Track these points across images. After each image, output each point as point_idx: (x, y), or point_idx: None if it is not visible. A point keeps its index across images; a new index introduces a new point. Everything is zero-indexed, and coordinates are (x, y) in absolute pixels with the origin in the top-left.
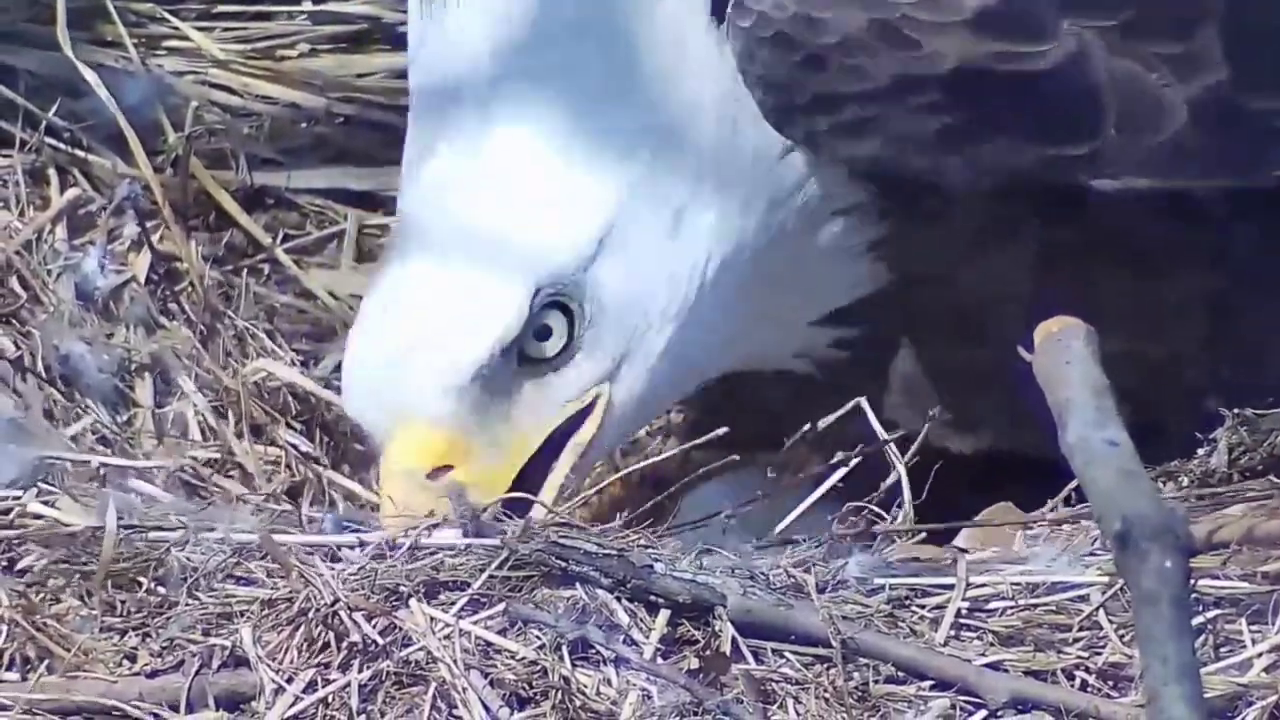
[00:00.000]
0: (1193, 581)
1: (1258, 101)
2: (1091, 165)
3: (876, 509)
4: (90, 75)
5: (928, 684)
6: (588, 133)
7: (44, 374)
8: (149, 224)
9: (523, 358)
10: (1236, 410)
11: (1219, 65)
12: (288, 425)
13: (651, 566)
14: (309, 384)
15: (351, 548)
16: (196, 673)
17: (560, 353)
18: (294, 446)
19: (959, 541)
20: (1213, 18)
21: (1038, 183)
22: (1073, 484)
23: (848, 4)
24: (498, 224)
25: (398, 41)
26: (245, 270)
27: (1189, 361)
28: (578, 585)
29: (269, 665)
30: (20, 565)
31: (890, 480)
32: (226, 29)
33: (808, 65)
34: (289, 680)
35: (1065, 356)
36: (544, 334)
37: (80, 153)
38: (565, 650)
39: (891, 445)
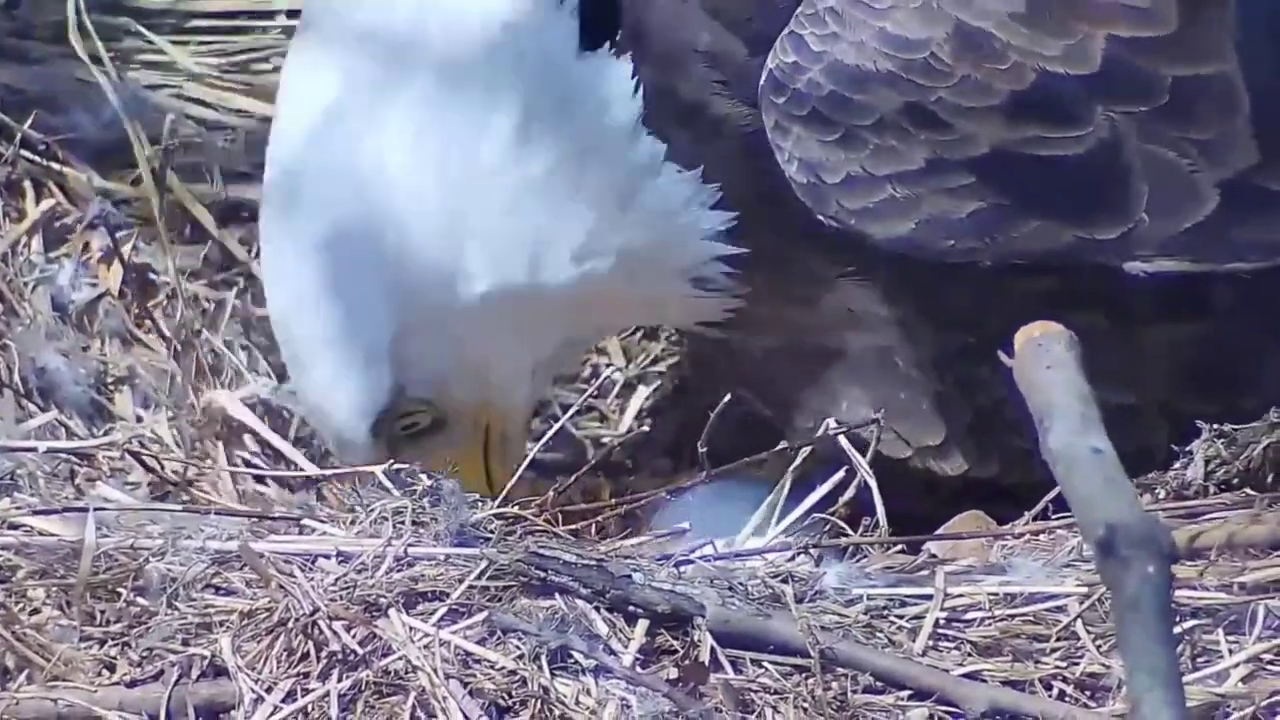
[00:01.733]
0: (1172, 592)
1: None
2: (1123, 248)
3: (843, 524)
4: (102, 78)
5: (906, 694)
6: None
7: (20, 387)
8: (123, 235)
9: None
10: (1214, 425)
11: (1249, 150)
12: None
13: (630, 576)
14: (257, 424)
15: (329, 556)
16: (176, 682)
17: (432, 425)
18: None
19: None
20: (1242, 104)
21: (1068, 264)
22: (1050, 494)
23: (882, 86)
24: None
25: None
26: (221, 284)
27: (1168, 408)
28: (557, 595)
29: (248, 675)
30: (0, 575)
31: (837, 482)
32: (201, 43)
33: (843, 144)
34: (268, 690)
35: (1046, 361)
36: (410, 424)
37: (56, 165)
38: (544, 660)
39: (853, 454)
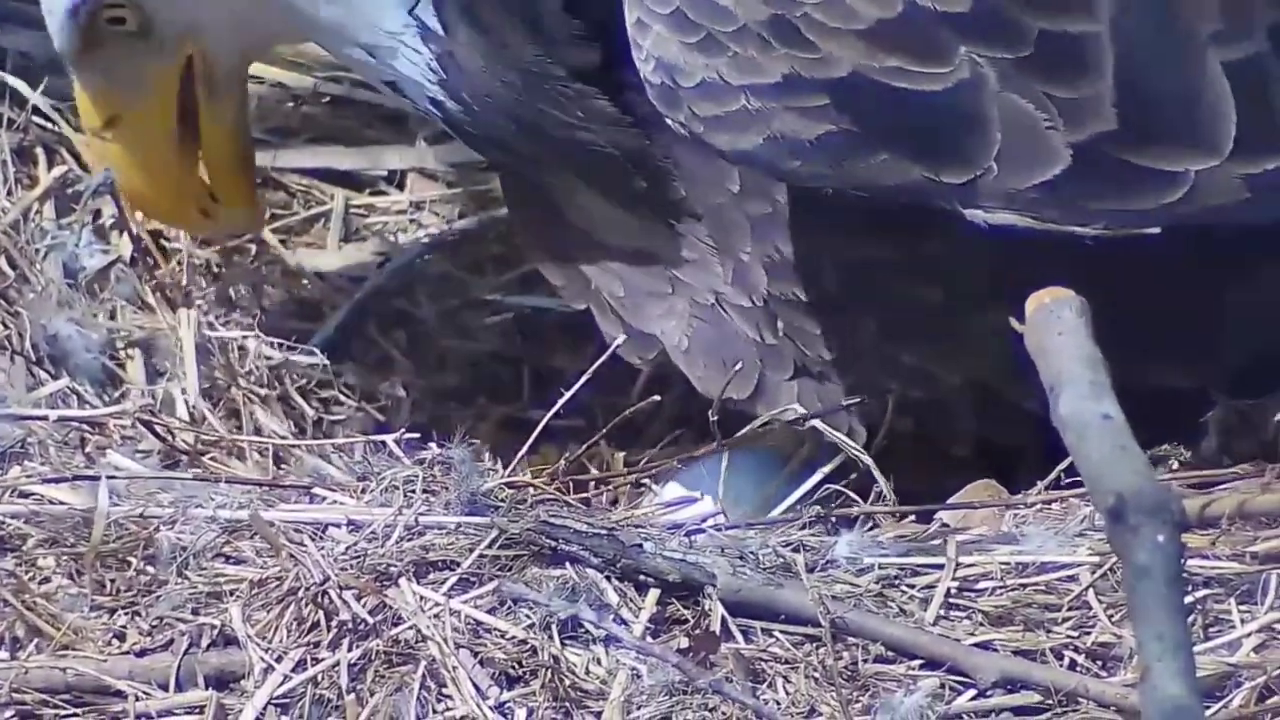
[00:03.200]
0: (1184, 560)
1: (1141, 158)
2: (968, 194)
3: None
4: None
5: (917, 663)
6: None
7: (32, 354)
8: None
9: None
10: (1229, 400)
11: (1108, 116)
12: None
13: (641, 546)
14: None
15: (339, 526)
16: (186, 651)
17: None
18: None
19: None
20: (1107, 68)
21: (907, 202)
22: (1064, 464)
23: None
24: None
25: None
26: (232, 250)
27: (995, 391)
28: (567, 564)
29: (258, 644)
30: (10, 544)
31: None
32: None
33: (702, 49)
34: (278, 659)
35: (1057, 328)
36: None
37: (68, 131)
38: (555, 629)
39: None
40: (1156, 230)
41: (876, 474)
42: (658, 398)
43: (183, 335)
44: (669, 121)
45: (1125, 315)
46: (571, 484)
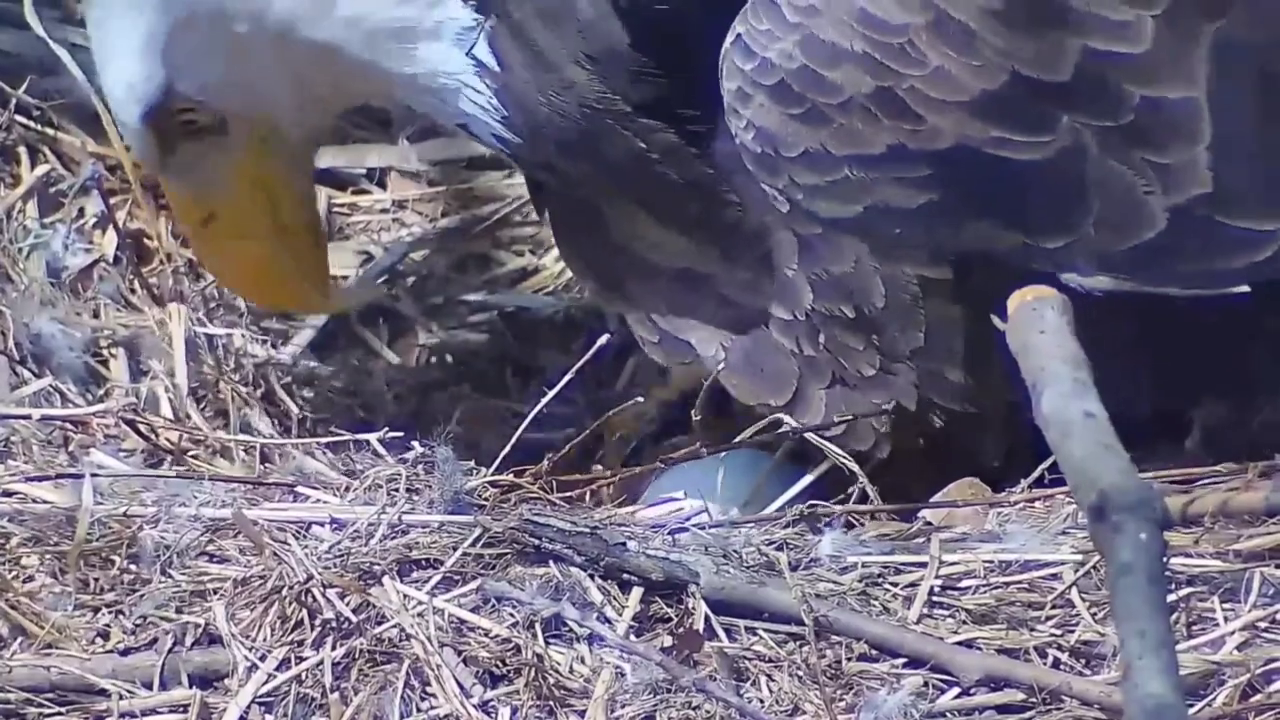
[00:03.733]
0: (1166, 559)
1: (1235, 219)
2: (1064, 258)
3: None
4: (62, 53)
5: (900, 661)
6: None
7: (15, 352)
8: (117, 201)
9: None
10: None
11: (1204, 180)
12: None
13: (625, 544)
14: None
15: (323, 524)
16: (170, 650)
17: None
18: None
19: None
20: (1205, 132)
21: (1003, 266)
22: (1047, 463)
23: (855, 66)
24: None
25: None
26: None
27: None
28: (551, 563)
29: (242, 642)
30: None
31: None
32: None
33: (806, 120)
34: (262, 658)
35: (1039, 326)
36: (190, 120)
37: (50, 130)
38: (539, 628)
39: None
40: (1246, 288)
41: (862, 478)
42: (641, 399)
43: (172, 330)
44: (765, 188)
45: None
46: (555, 483)
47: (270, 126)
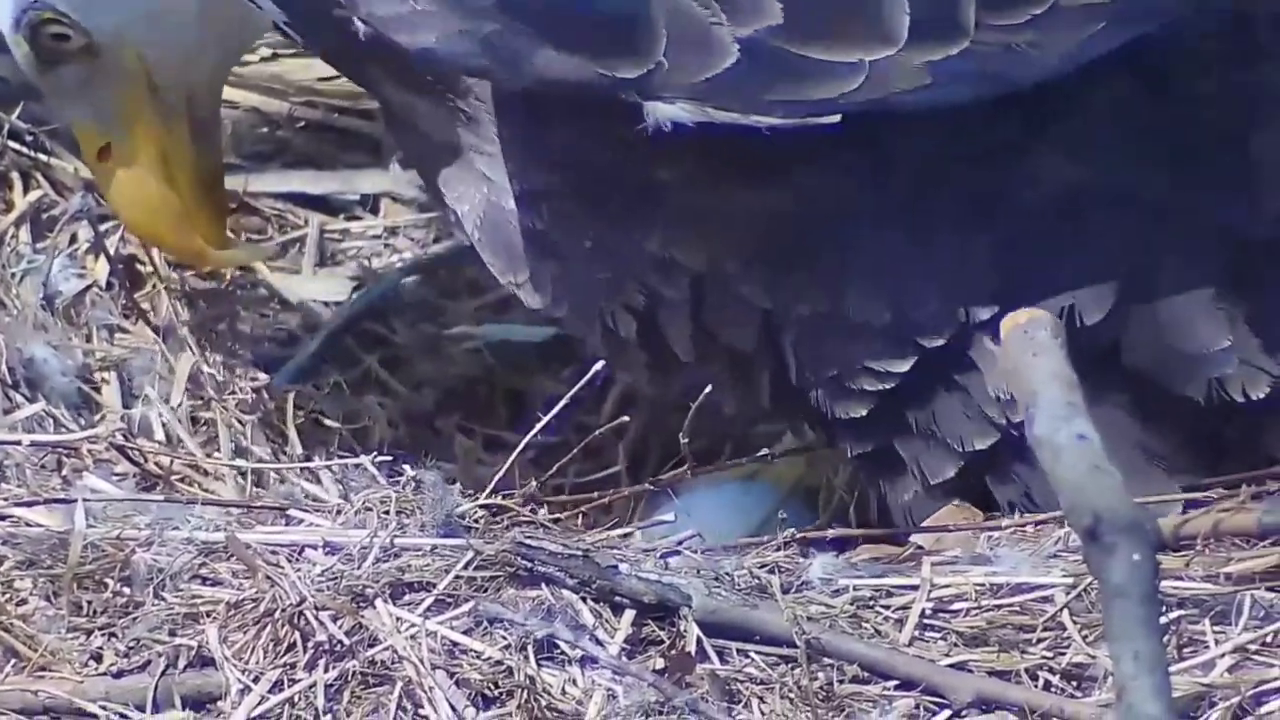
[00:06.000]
0: (1158, 580)
1: (809, 49)
2: (644, 87)
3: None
4: None
5: (892, 684)
6: None
7: (8, 377)
8: (107, 227)
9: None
10: None
11: (772, 12)
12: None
13: (616, 567)
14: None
15: (315, 547)
16: (162, 673)
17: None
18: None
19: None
20: None
21: (594, 98)
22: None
23: None
24: None
25: None
26: (208, 274)
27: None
28: (543, 585)
29: (235, 665)
30: None
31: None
32: None
33: None
34: (255, 680)
35: (1031, 348)
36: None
37: (43, 156)
38: (531, 650)
39: None
40: (837, 119)
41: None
42: (626, 418)
43: (178, 366)
44: (356, 20)
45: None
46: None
47: (140, 62)
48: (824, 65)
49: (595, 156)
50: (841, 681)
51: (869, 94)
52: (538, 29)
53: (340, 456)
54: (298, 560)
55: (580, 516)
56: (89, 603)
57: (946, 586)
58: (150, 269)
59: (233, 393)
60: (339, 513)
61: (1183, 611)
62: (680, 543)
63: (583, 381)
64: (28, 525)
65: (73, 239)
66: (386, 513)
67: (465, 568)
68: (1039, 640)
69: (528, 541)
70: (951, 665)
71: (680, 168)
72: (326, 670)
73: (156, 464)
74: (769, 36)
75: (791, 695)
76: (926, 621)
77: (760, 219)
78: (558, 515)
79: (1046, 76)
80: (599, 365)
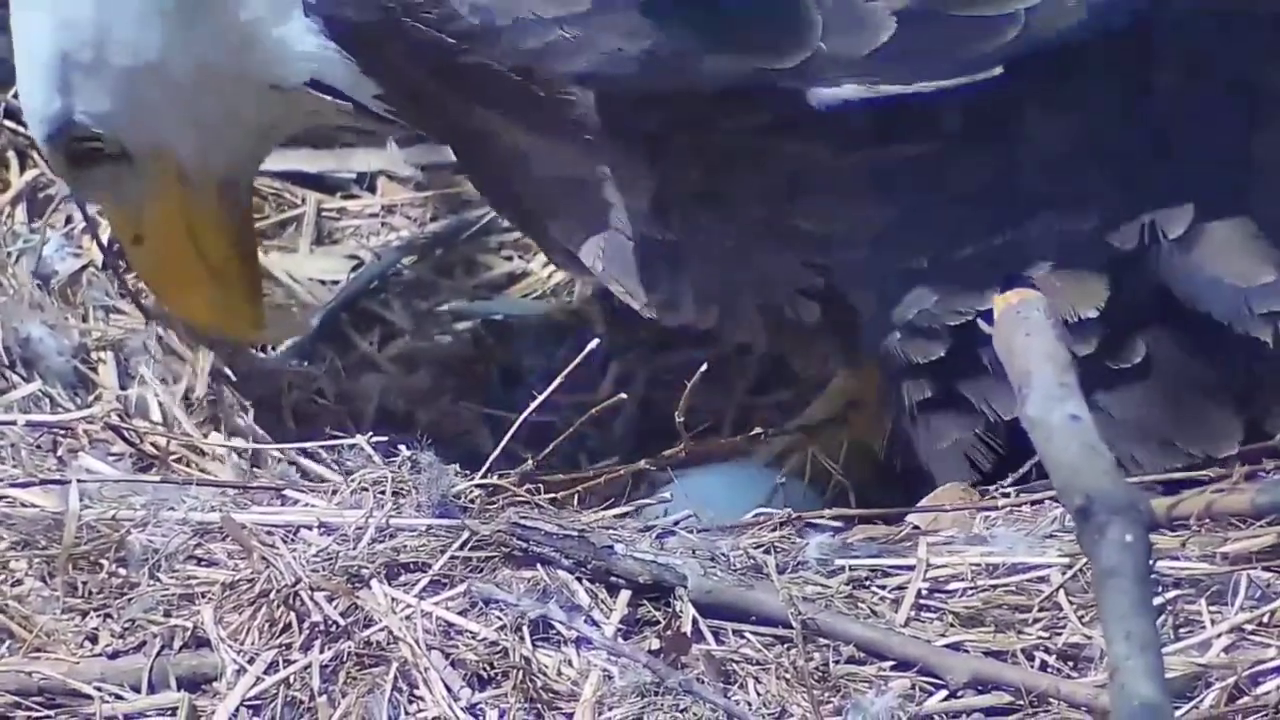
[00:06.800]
0: (1152, 561)
1: (963, 9)
2: (805, 76)
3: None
4: None
5: (888, 664)
6: None
7: (4, 357)
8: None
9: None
10: None
11: None
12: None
13: (612, 547)
14: None
15: (311, 528)
16: (158, 654)
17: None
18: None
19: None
20: None
21: (756, 95)
22: (1030, 462)
23: None
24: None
25: None
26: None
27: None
28: (538, 566)
29: (230, 646)
30: None
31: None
32: None
33: None
34: (250, 661)
35: (1025, 329)
36: (94, 143)
37: None
38: (526, 631)
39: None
40: (999, 70)
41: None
42: (624, 395)
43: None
44: (489, 61)
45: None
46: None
47: (173, 161)
48: (981, 21)
49: (714, 153)
50: (837, 662)
51: (1028, 41)
52: (694, 35)
53: (336, 436)
54: (293, 541)
55: (576, 497)
56: (84, 583)
57: (943, 567)
58: None
59: (229, 373)
60: (334, 493)
61: (1179, 591)
62: (676, 523)
63: (579, 358)
64: (23, 506)
65: (69, 218)
66: (382, 493)
67: (461, 548)
68: (1035, 620)
69: (523, 522)
70: (947, 645)
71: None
72: (322, 651)
73: (152, 444)
74: (924, 2)
75: (787, 675)
76: (922, 602)
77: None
78: (554, 495)
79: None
80: (594, 342)
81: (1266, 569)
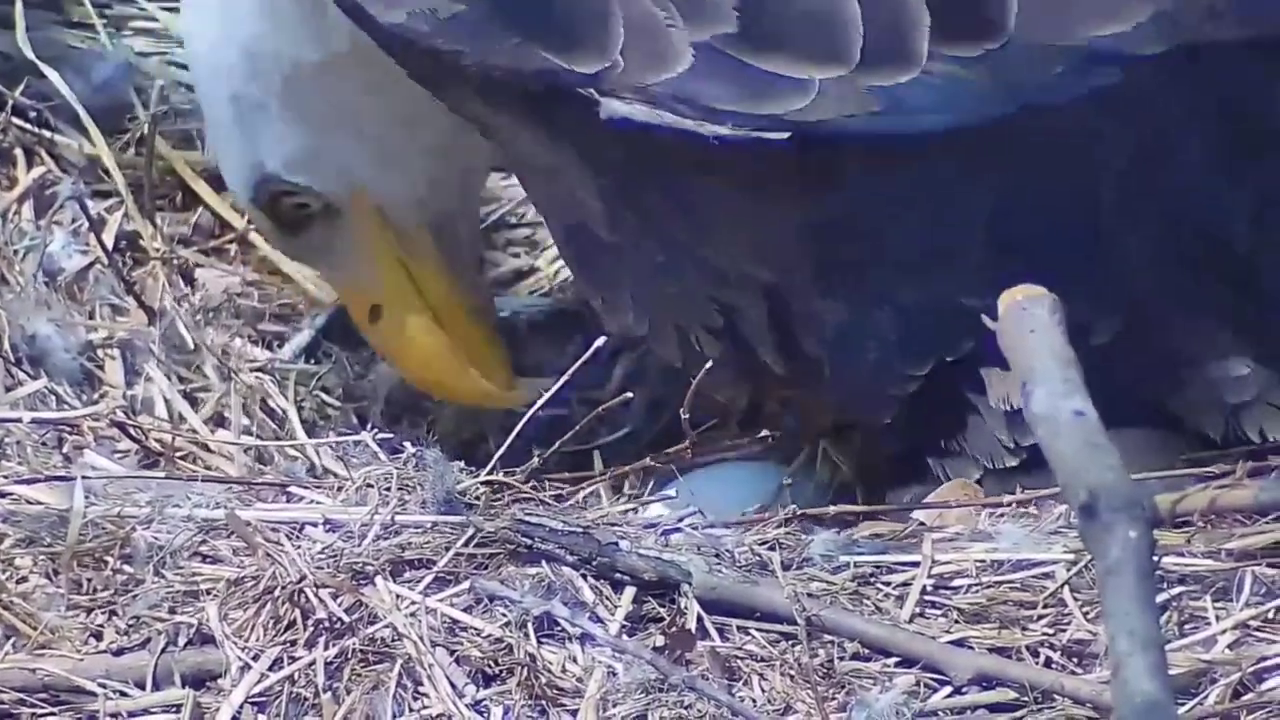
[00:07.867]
0: (1157, 557)
1: (761, 61)
2: (600, 84)
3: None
4: (50, 72)
5: (893, 661)
6: None
7: (10, 354)
8: (111, 203)
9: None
10: None
11: (728, 20)
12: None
13: (617, 544)
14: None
15: (315, 524)
16: (162, 651)
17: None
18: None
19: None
20: None
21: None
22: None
23: None
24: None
25: None
26: (212, 251)
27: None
28: (543, 562)
29: (235, 643)
30: None
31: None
32: None
33: None
34: (255, 657)
35: (1030, 325)
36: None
37: (46, 133)
38: (531, 627)
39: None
40: (786, 136)
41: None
42: (629, 395)
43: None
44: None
45: None
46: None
47: (373, 202)
48: (775, 79)
49: (644, 167)
50: (842, 658)
51: (818, 114)
52: (503, 13)
53: (342, 433)
54: (298, 537)
55: (581, 494)
56: (89, 580)
57: (947, 563)
58: (156, 241)
59: (234, 370)
60: (339, 489)
61: (1184, 588)
62: (681, 519)
63: (586, 355)
64: (28, 503)
65: (75, 216)
66: (387, 489)
67: (465, 545)
68: (1040, 617)
69: (528, 518)
70: (952, 642)
71: (728, 175)
72: (326, 648)
73: (157, 441)
74: (723, 44)
75: (792, 672)
76: (927, 598)
77: (805, 227)
78: (559, 492)
79: (1001, 113)
80: (601, 339)
81: (1271, 565)
